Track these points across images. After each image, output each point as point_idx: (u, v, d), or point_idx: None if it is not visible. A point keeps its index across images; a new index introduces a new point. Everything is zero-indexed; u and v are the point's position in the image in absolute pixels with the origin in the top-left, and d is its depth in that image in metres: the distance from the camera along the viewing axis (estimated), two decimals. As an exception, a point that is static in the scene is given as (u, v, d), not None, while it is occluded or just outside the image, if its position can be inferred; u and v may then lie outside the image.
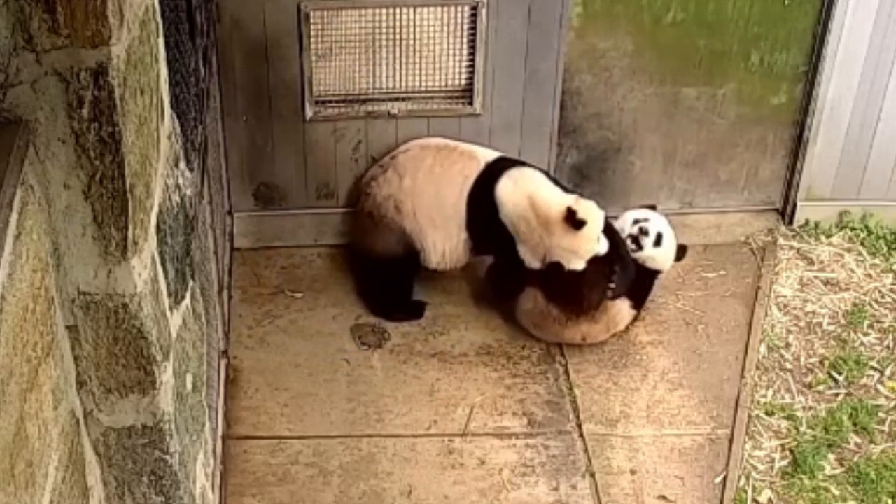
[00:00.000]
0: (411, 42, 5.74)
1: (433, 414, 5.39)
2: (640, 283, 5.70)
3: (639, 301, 5.76)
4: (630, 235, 5.67)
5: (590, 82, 6.02)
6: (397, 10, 5.63)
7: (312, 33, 5.65)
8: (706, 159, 6.33)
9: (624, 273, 5.54)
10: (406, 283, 5.88)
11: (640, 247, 5.66)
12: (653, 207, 5.90)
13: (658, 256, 5.71)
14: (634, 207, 5.90)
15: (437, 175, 5.65)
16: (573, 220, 5.33)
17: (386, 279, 5.84)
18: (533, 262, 5.49)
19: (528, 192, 5.46)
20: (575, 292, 5.53)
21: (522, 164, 5.66)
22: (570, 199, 5.41)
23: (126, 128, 2.61)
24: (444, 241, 5.67)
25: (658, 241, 5.67)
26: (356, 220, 5.98)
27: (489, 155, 5.70)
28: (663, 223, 5.76)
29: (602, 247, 5.44)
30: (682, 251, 5.78)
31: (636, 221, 5.71)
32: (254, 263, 6.16)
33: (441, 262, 5.76)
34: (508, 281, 5.67)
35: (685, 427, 5.40)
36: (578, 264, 5.42)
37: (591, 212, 5.38)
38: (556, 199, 5.43)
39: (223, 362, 5.40)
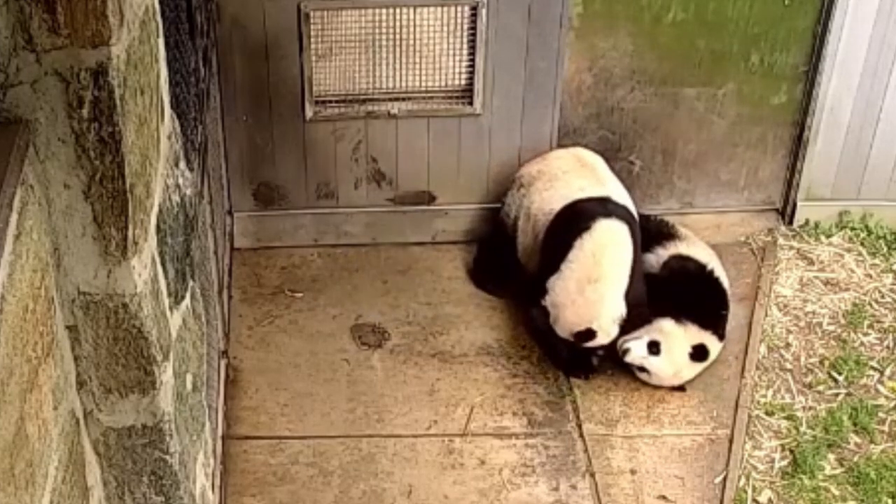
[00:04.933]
0: (411, 42, 5.74)
1: (433, 414, 5.39)
2: None
3: None
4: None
5: (590, 82, 6.02)
6: (397, 10, 5.63)
7: (312, 33, 5.65)
8: (706, 159, 6.33)
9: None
10: (501, 257, 5.92)
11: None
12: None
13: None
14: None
15: (561, 178, 5.73)
16: (585, 336, 5.37)
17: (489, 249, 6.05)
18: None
19: (601, 262, 5.41)
20: None
21: (630, 216, 5.60)
22: (612, 313, 5.38)
23: (126, 128, 2.61)
24: (525, 236, 5.75)
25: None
26: None
27: (613, 186, 5.72)
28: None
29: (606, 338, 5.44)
30: (699, 353, 5.47)
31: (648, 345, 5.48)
32: (254, 263, 6.16)
33: (523, 259, 5.81)
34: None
35: (685, 427, 5.40)
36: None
37: (607, 333, 5.40)
38: (608, 306, 5.39)
39: (223, 362, 5.40)
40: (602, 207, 5.55)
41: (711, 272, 5.75)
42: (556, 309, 5.46)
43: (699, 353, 5.46)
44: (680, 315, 5.53)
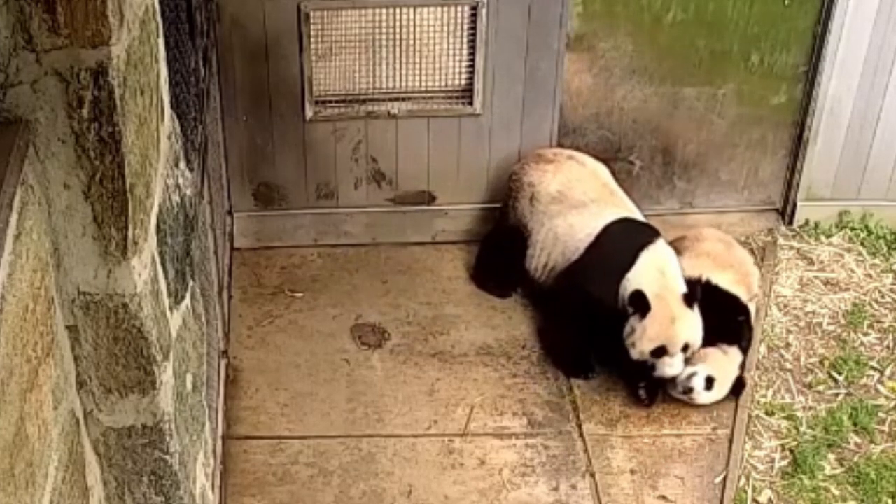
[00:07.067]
0: (411, 42, 5.74)
1: (433, 414, 5.39)
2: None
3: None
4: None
5: (590, 82, 6.02)
6: (397, 10, 5.63)
7: (312, 33, 5.65)
8: (706, 159, 6.33)
9: None
10: (503, 258, 5.89)
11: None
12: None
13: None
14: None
15: (587, 199, 5.66)
16: (659, 352, 5.24)
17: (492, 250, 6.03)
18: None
19: (661, 269, 5.35)
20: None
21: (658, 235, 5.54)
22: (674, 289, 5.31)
23: (126, 128, 2.61)
24: (547, 255, 5.68)
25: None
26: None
27: (636, 211, 5.68)
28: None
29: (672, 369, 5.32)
30: (738, 387, 5.42)
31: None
32: (254, 263, 6.16)
33: (537, 273, 5.75)
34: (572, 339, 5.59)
35: (685, 427, 5.40)
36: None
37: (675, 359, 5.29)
38: (671, 287, 5.31)
39: (223, 362, 5.40)
40: (655, 230, 5.53)
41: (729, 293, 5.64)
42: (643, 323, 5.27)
43: (738, 387, 5.41)
44: (722, 344, 5.46)
